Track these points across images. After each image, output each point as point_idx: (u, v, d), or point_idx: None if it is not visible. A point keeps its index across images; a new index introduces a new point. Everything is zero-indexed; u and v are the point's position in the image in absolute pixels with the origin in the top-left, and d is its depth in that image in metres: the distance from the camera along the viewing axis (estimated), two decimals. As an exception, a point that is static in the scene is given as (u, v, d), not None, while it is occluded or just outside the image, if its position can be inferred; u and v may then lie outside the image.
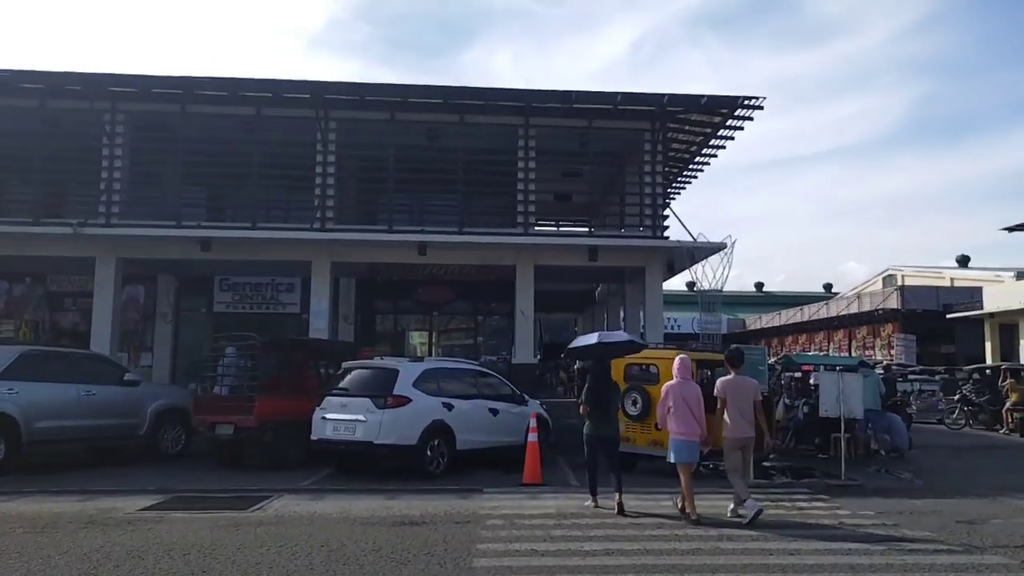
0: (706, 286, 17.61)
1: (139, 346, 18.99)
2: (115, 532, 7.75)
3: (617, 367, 12.91)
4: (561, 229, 20.79)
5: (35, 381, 11.92)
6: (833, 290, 54.99)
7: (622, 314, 23.75)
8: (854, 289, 50.58)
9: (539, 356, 32.66)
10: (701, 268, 17.55)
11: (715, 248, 17.34)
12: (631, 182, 18.86)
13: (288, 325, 19.20)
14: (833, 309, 43.37)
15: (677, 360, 9.12)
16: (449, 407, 12.16)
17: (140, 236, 16.18)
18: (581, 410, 9.68)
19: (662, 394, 9.02)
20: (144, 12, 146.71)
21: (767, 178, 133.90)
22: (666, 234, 18.20)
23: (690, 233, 17.74)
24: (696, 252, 17.36)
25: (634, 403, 12.56)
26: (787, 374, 19.81)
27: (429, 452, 11.73)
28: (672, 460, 8.90)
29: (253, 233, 16.33)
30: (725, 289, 18.42)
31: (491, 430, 12.81)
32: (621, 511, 8.97)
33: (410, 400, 11.63)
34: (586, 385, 9.76)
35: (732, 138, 18.92)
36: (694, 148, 20.31)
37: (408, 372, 11.97)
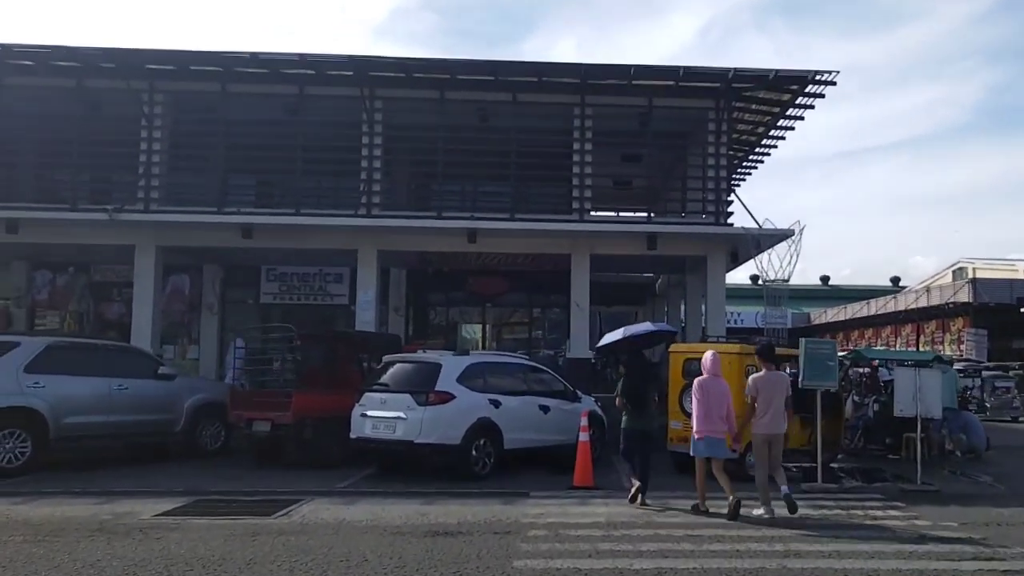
0: (772, 276, 16.21)
1: (186, 338, 18.55)
2: (121, 542, 7.07)
3: (676, 362, 11.91)
4: (618, 216, 19.48)
5: (63, 374, 11.48)
6: (900, 284, 52.16)
7: (683, 307, 22.41)
8: (923, 283, 47.93)
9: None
10: (767, 257, 16.20)
11: (782, 235, 15.98)
12: (693, 165, 17.58)
13: (337, 317, 18.58)
14: (901, 303, 40.99)
15: (708, 355, 9.10)
16: (496, 404, 11.28)
17: (180, 223, 15.74)
18: (617, 403, 9.74)
19: (694, 389, 9.02)
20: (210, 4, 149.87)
21: (833, 169, 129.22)
22: (729, 221, 16.89)
23: (755, 220, 16.44)
24: (762, 240, 15.99)
25: (692, 399, 11.34)
26: (856, 370, 18.28)
27: (474, 452, 10.91)
28: (694, 454, 8.98)
29: (296, 219, 15.68)
30: (791, 281, 16.95)
31: (541, 428, 11.91)
32: (638, 501, 9.16)
33: (453, 396, 10.77)
34: (622, 379, 9.82)
35: (802, 118, 17.54)
36: (760, 129, 18.92)
37: (452, 367, 11.10)
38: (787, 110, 17.15)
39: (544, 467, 11.77)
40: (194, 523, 7.91)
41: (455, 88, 16.22)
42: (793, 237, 15.77)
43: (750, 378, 9.01)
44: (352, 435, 11.15)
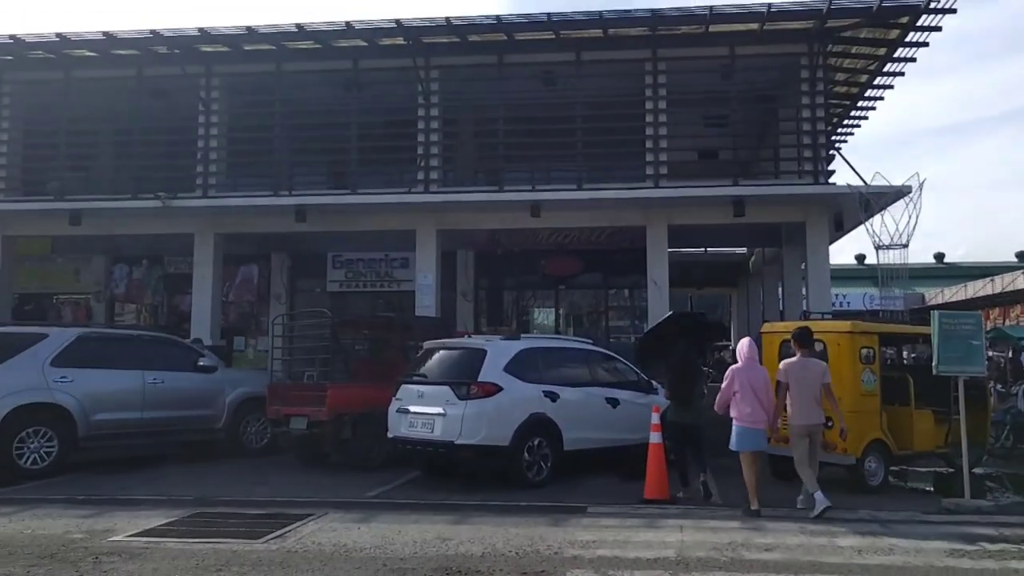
0: (887, 242, 13.20)
1: (256, 329, 17.30)
2: (62, 573, 5.33)
3: (770, 345, 9.50)
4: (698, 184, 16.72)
5: (94, 368, 10.14)
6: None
7: (780, 287, 19.45)
8: None
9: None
10: (879, 220, 13.16)
11: (897, 193, 12.96)
12: (786, 119, 14.74)
13: (405, 303, 16.74)
14: None
15: (744, 342, 8.08)
16: (553, 397, 9.18)
17: (232, 207, 14.37)
18: (665, 394, 8.89)
19: (726, 378, 7.96)
20: None
21: (939, 145, 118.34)
22: (831, 181, 14.02)
23: (860, 177, 13.44)
24: (872, 199, 13.03)
25: None
26: (995, 353, 15.04)
27: (527, 455, 8.87)
28: (733, 447, 7.83)
29: (349, 199, 13.98)
30: (908, 251, 13.85)
31: (609, 425, 9.74)
32: (707, 494, 8.34)
33: (500, 388, 8.74)
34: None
35: (913, 59, 14.35)
36: (864, 78, 15.74)
37: (499, 353, 9.06)
38: (895, 51, 14.07)
39: (615, 472, 9.59)
40: (166, 547, 6.22)
41: (514, 51, 14.10)
42: (911, 195, 12.77)
43: (781, 363, 7.98)
44: (389, 434, 9.30)
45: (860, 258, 43.76)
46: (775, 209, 14.13)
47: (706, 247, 22.42)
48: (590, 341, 10.82)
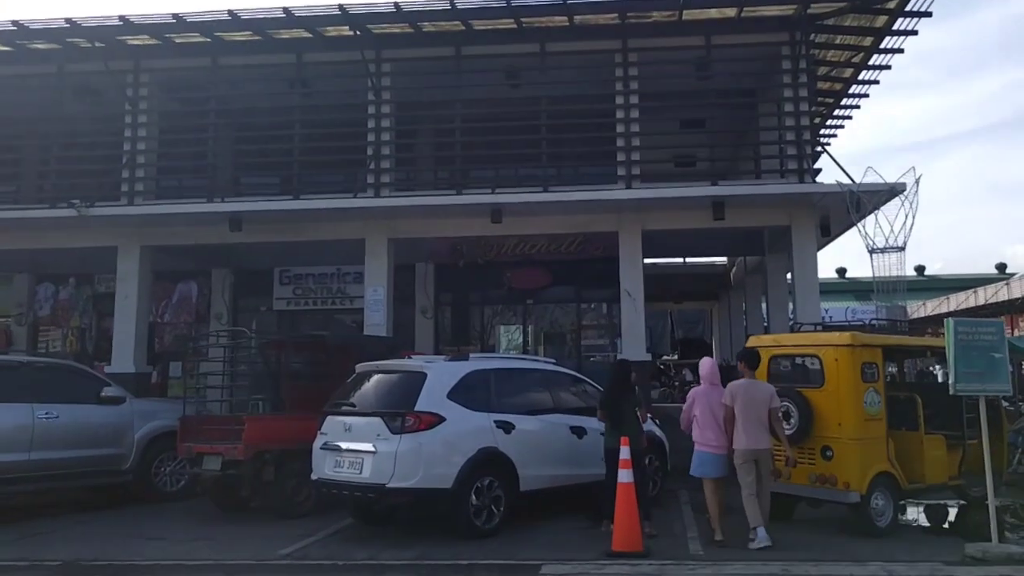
0: (880, 244, 11.92)
1: (194, 352, 15.69)
2: None
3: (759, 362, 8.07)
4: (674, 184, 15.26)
5: (-31, 401, 8.49)
6: (1008, 271, 45.35)
7: (764, 298, 18.18)
8: None
9: (677, 354, 27.48)
10: (874, 221, 11.87)
11: (891, 191, 11.68)
12: (766, 114, 13.51)
13: (359, 321, 15.24)
14: (1016, 290, 34.68)
15: (705, 362, 7.88)
16: (507, 428, 7.81)
17: (159, 215, 12.82)
18: (599, 416, 7.97)
19: (687, 400, 7.70)
20: None
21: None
22: (818, 179, 12.79)
23: (849, 176, 12.21)
24: (863, 198, 11.74)
25: (785, 416, 7.81)
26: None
27: (475, 498, 7.42)
28: (693, 473, 7.53)
29: (289, 205, 12.48)
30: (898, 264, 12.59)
31: (575, 459, 8.39)
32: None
33: (442, 419, 7.30)
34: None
35: (901, 50, 13.20)
36: (848, 73, 14.59)
37: (441, 377, 7.64)
38: (881, 40, 12.91)
39: (582, 511, 8.16)
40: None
41: (472, 42, 12.79)
42: (906, 192, 11.53)
43: (728, 385, 7.45)
44: (313, 475, 7.80)
45: (841, 271, 42.87)
46: (757, 212, 12.85)
47: (684, 257, 21.14)
48: (553, 361, 9.40)
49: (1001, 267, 45.86)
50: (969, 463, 8.19)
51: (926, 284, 50.62)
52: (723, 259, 22.90)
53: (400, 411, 7.25)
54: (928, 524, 8.62)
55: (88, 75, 13.29)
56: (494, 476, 7.56)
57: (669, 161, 14.63)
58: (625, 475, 6.95)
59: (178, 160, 13.85)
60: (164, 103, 13.86)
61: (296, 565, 6.60)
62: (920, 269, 57.74)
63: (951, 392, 7.17)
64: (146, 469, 9.78)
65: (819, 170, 13.00)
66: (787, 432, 7.66)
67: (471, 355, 8.36)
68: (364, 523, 8.11)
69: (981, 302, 38.40)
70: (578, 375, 9.46)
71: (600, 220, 13.01)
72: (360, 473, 7.25)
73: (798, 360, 8.39)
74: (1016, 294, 33.13)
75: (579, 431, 8.46)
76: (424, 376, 7.52)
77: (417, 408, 7.24)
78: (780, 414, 7.40)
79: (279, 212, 12.56)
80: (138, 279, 13.25)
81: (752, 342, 8.90)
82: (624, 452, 7.06)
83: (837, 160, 12.99)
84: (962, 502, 8.68)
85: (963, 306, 40.22)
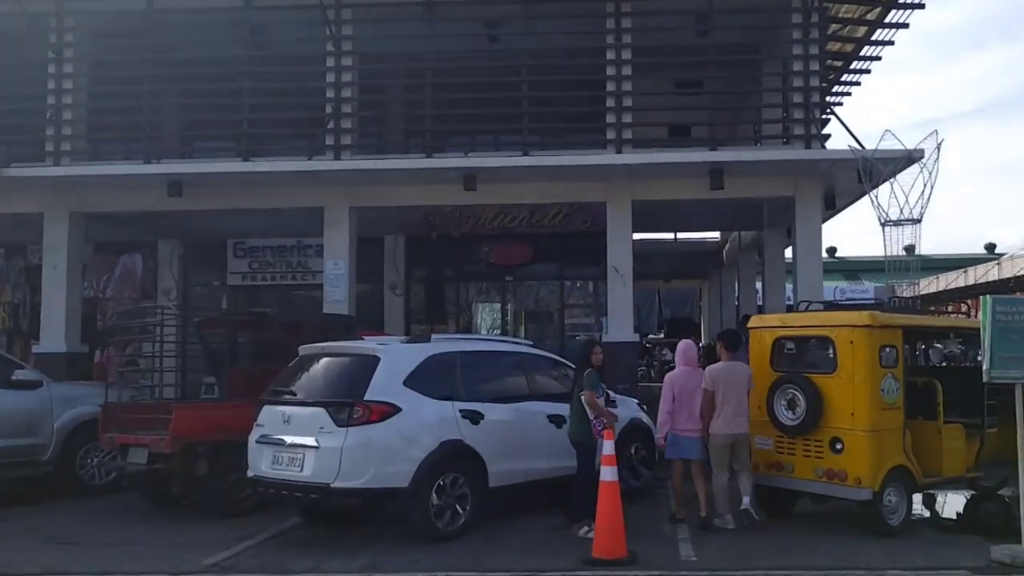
0: (894, 216, 11.17)
1: (112, 332, 14.68)
2: None
3: (759, 344, 7.52)
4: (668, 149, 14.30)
5: None
6: (997, 251, 44.99)
7: (760, 276, 17.47)
8: None
9: (663, 334, 26.88)
10: (889, 190, 11.09)
11: (908, 157, 10.89)
12: (771, 74, 12.69)
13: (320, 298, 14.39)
14: (1007, 269, 34.34)
15: (682, 345, 7.81)
16: (474, 417, 7.09)
17: (90, 178, 11.83)
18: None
19: (665, 387, 7.60)
20: None
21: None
22: (825, 145, 12.05)
23: (859, 142, 11.42)
24: (875, 166, 10.95)
25: (790, 404, 7.28)
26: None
27: (436, 498, 6.63)
28: (669, 456, 7.59)
29: (234, 167, 11.53)
30: (870, 252, 11.86)
31: (553, 451, 7.66)
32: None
33: (397, 409, 6.55)
34: None
35: (921, 4, 12.37)
36: (860, 33, 13.77)
37: (396, 361, 6.88)
38: (899, -6, 12.11)
39: (560, 508, 7.47)
40: None
41: (445, -11, 11.87)
42: (924, 159, 10.75)
43: (707, 369, 7.50)
44: (249, 472, 7.00)
45: (831, 251, 42.48)
46: (759, 181, 12.07)
47: (675, 232, 20.38)
48: (529, 342, 8.60)
49: (990, 247, 45.45)
50: (987, 454, 7.72)
51: (903, 265, 50.65)
52: (715, 236, 22.27)
53: (347, 400, 6.48)
54: (930, 515, 8.07)
55: (3, 18, 12.20)
56: (459, 472, 6.85)
57: (663, 125, 13.72)
58: (608, 473, 6.21)
59: (110, 116, 12.75)
60: (93, 52, 12.77)
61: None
62: (910, 248, 57.77)
63: (985, 379, 6.49)
64: (70, 460, 9.00)
65: (828, 136, 12.24)
66: (793, 422, 7.17)
67: (433, 336, 7.54)
68: (312, 524, 7.36)
69: (971, 282, 38.10)
70: (557, 358, 8.71)
71: (586, 189, 12.20)
72: (301, 471, 6.48)
73: (806, 341, 7.72)
74: (1007, 274, 32.70)
75: (558, 420, 7.72)
76: (376, 360, 6.73)
77: (367, 397, 6.48)
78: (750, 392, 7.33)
79: (223, 176, 11.57)
80: (67, 249, 12.26)
81: (754, 322, 8.24)
82: (607, 447, 6.32)
83: (847, 125, 12.17)
84: (972, 492, 8.23)
85: (953, 286, 39.87)
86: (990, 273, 38.37)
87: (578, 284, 16.04)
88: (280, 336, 8.32)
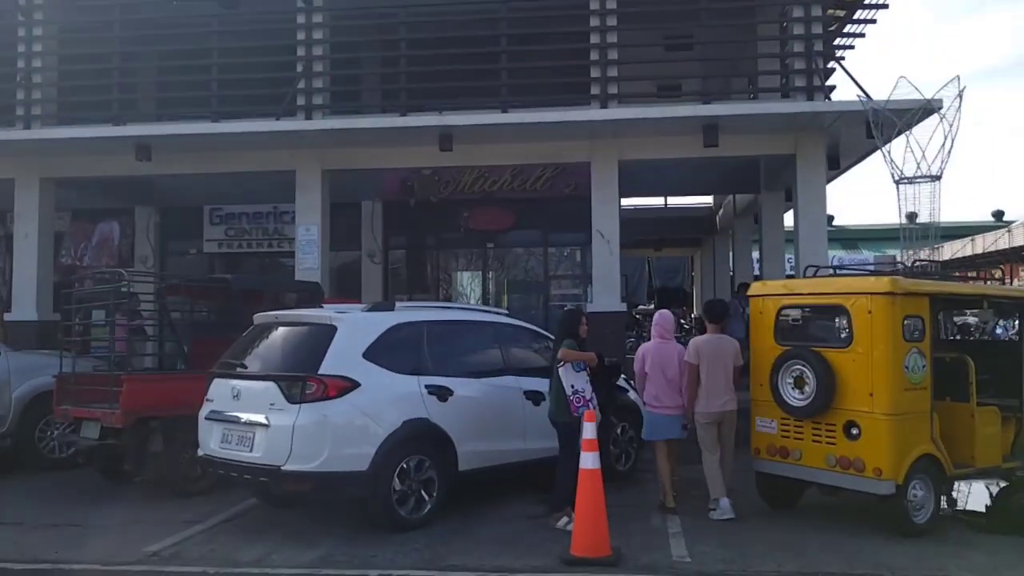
0: (912, 173, 10.19)
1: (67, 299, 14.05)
2: None
3: (762, 313, 6.81)
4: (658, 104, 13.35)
5: None
6: (1006, 218, 43.84)
7: (758, 243, 16.67)
8: None
9: (654, 304, 26.08)
10: (906, 144, 10.06)
11: (925, 108, 9.79)
12: (769, 22, 11.80)
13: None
14: (1019, 237, 33.01)
15: (657, 315, 7.12)
16: (442, 394, 6.40)
17: (60, 141, 11.10)
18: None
19: (636, 358, 6.98)
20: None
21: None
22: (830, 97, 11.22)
23: (866, 93, 10.50)
24: (885, 118, 9.98)
25: (797, 383, 6.35)
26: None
27: (399, 483, 5.98)
28: (645, 437, 7.05)
29: (202, 129, 10.76)
30: (868, 221, 11.09)
31: (530, 430, 6.96)
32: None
33: (355, 384, 5.88)
34: None
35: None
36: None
37: (355, 331, 6.19)
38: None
39: (538, 492, 6.86)
40: None
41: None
42: (944, 109, 9.77)
43: (691, 342, 6.95)
44: (199, 451, 6.40)
45: (828, 219, 41.44)
46: (757, 138, 11.26)
47: (666, 196, 19.52)
48: (505, 312, 7.96)
49: (998, 214, 44.77)
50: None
51: (919, 232, 49.66)
52: (708, 201, 21.39)
53: (300, 374, 5.81)
54: (951, 509, 7.08)
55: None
56: (424, 454, 6.16)
57: (651, 79, 12.84)
58: (590, 459, 5.58)
59: (80, 80, 11.96)
60: (63, 13, 11.94)
61: (153, 574, 5.23)
62: (912, 216, 56.81)
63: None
64: (29, 433, 8.40)
65: (832, 87, 11.33)
66: (800, 403, 6.27)
67: (398, 304, 6.89)
68: (271, 505, 6.78)
69: (979, 250, 37.05)
70: (536, 329, 8.02)
71: (570, 148, 11.46)
72: (250, 451, 5.83)
73: (815, 311, 6.80)
74: (1018, 242, 31.62)
75: (536, 397, 7.05)
76: (333, 330, 6.04)
77: (322, 371, 5.79)
78: (741, 366, 6.73)
79: (192, 139, 10.79)
80: (39, 216, 11.67)
81: (756, 289, 7.30)
82: (588, 429, 5.69)
83: (853, 76, 11.30)
84: (1002, 483, 7.35)
85: (959, 254, 38.92)
86: (1000, 241, 37.05)
87: (566, 252, 15.36)
88: (239, 304, 7.66)
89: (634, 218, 20.27)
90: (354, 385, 5.87)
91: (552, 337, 7.88)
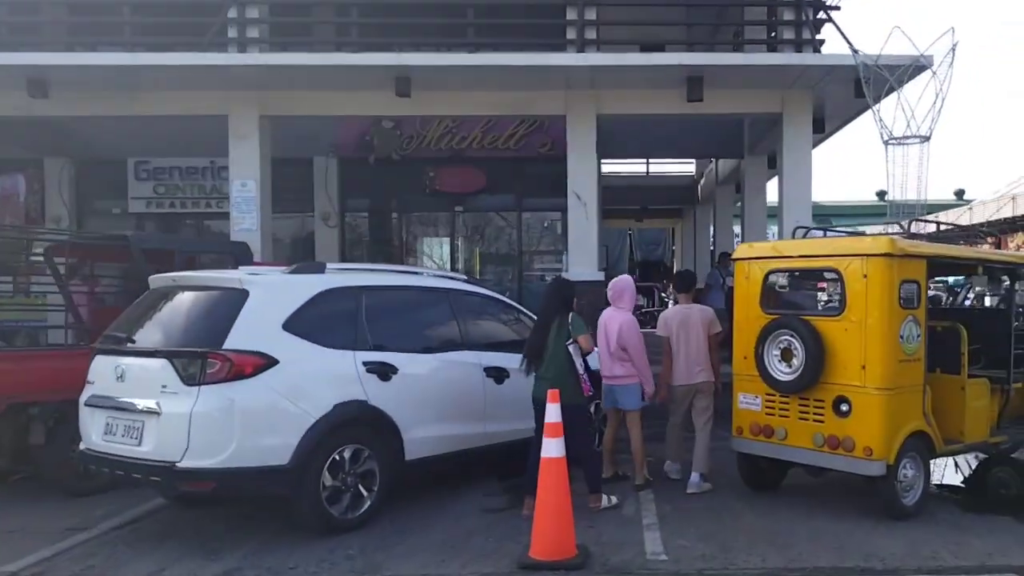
0: (900, 134, 9.56)
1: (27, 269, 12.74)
2: None
3: (748, 280, 6.04)
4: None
5: None
6: (966, 197, 44.22)
7: (741, 211, 15.94)
8: (999, 192, 39.85)
9: (636, 277, 25.56)
10: (897, 102, 9.45)
11: (915, 65, 9.19)
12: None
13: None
14: (979, 214, 33.57)
15: (615, 282, 6.65)
16: (384, 372, 5.51)
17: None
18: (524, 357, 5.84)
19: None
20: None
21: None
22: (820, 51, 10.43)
23: (852, 47, 9.74)
24: (875, 75, 9.26)
25: (784, 355, 5.94)
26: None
27: (331, 477, 5.08)
28: (606, 405, 6.59)
29: (117, 59, 9.39)
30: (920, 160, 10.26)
31: (492, 411, 6.22)
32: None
33: (271, 361, 4.92)
34: None
35: None
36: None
37: (272, 297, 5.21)
38: None
39: (499, 475, 6.15)
40: None
41: None
42: (937, 65, 9.13)
43: (661, 314, 6.97)
44: (81, 444, 5.31)
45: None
46: (742, 95, 10.41)
47: (648, 161, 18.75)
48: (463, 277, 6.92)
49: (959, 193, 44.85)
50: (1012, 412, 6.69)
51: (884, 209, 49.72)
52: (690, 170, 20.75)
53: (200, 349, 4.77)
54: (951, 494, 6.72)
55: None
56: (362, 443, 5.27)
57: (630, 24, 11.78)
58: (552, 447, 4.66)
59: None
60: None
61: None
62: (882, 194, 56.77)
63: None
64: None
65: (822, 41, 10.54)
66: (787, 377, 5.82)
67: (330, 266, 5.82)
68: (183, 505, 5.73)
69: (941, 229, 37.11)
70: (501, 298, 7.13)
71: (543, 99, 10.43)
72: (139, 445, 4.82)
73: (806, 274, 6.47)
74: (979, 219, 32.20)
75: (498, 374, 6.23)
76: (244, 295, 5.01)
77: (228, 345, 4.78)
78: (719, 341, 6.61)
79: (97, 71, 9.37)
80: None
81: (741, 251, 6.72)
82: (552, 412, 4.75)
83: (843, 31, 10.48)
84: (981, 456, 7.19)
85: (926, 231, 38.90)
86: (961, 219, 37.56)
87: (546, 223, 14.30)
88: (143, 267, 6.54)
89: (615, 185, 19.71)
90: (270, 362, 4.87)
91: (523, 309, 7.03)
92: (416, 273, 6.62)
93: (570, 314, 5.72)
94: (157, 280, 5.54)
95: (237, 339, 4.80)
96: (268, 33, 10.15)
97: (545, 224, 14.31)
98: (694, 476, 6.29)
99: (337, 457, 5.09)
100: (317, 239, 13.19)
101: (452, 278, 6.69)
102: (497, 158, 13.12)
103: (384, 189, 13.68)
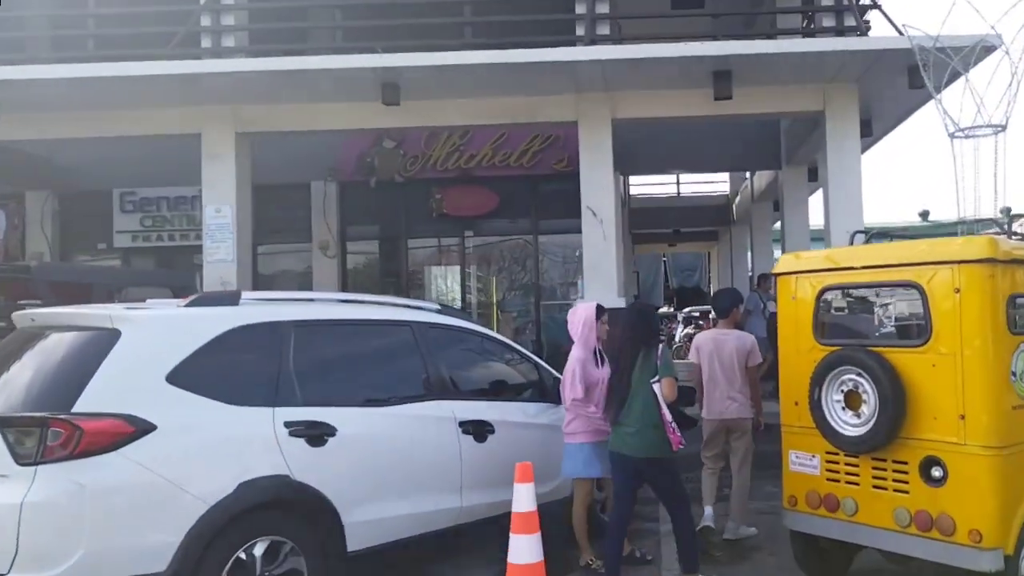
0: (969, 123, 7.97)
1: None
2: None
3: (797, 301, 4.39)
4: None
5: None
6: (931, 218, 41.83)
7: (780, 227, 14.36)
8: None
9: (672, 307, 24.18)
10: (966, 86, 7.87)
11: (980, 47, 7.51)
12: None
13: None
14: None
15: (574, 310, 5.25)
16: (316, 434, 4.07)
17: None
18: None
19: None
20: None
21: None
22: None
23: (899, 30, 8.25)
24: (934, 60, 7.68)
25: (850, 400, 4.30)
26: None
27: (229, 582, 3.51)
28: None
29: (69, 72, 8.22)
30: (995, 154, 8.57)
31: (467, 479, 4.75)
32: None
33: (144, 428, 3.53)
34: None
35: None
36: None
37: (152, 339, 3.88)
38: None
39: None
40: None
41: None
42: (1011, 42, 7.49)
43: (694, 338, 6.12)
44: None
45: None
46: (777, 92, 8.90)
47: (678, 177, 17.41)
48: (435, 307, 5.49)
49: (924, 214, 42.50)
50: None
51: (929, 231, 47.17)
52: (724, 189, 19.35)
53: (40, 415, 3.40)
54: None
55: None
56: (281, 533, 3.83)
57: (645, 17, 10.45)
58: (523, 548, 3.19)
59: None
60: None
61: None
62: (925, 214, 54.05)
63: None
64: None
65: (868, 25, 9.00)
66: (855, 431, 4.21)
67: (245, 295, 4.44)
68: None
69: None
70: (485, 331, 5.63)
71: (551, 104, 9.05)
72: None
73: (873, 296, 4.70)
74: None
75: (478, 428, 4.76)
76: (114, 337, 3.64)
77: (79, 408, 3.40)
78: (760, 372, 5.76)
79: (47, 86, 8.23)
80: None
81: (785, 264, 5.00)
82: (524, 494, 3.28)
83: (888, 15, 8.95)
84: None
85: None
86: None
87: (578, 251, 12.79)
88: (51, 303, 5.27)
89: (645, 207, 18.38)
90: (142, 429, 3.50)
91: (515, 345, 5.67)
92: (364, 303, 5.19)
93: (660, 346, 4.58)
94: (21, 317, 4.22)
95: (94, 398, 3.42)
96: (246, 40, 9.01)
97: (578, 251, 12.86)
98: (731, 524, 5.57)
99: (243, 556, 3.67)
100: (315, 271, 11.96)
101: (420, 308, 5.27)
102: (509, 177, 11.80)
103: (387, 214, 12.39)
